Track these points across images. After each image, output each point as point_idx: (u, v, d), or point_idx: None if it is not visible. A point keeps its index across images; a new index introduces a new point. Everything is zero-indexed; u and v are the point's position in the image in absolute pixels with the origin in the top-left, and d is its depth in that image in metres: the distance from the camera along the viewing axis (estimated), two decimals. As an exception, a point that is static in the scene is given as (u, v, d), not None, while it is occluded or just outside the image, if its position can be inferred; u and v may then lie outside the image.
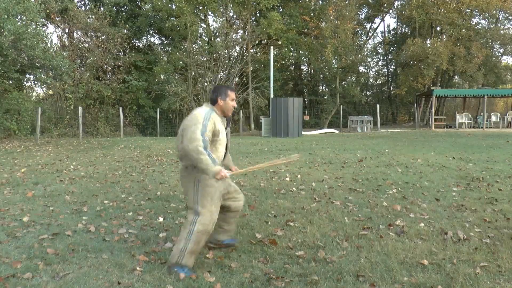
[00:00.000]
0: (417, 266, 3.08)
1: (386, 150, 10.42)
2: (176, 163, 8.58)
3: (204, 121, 2.96)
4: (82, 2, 24.22)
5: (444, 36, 26.48)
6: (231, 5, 23.53)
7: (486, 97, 21.38)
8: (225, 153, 3.25)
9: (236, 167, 3.44)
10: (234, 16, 25.06)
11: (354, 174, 6.88)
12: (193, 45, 23.75)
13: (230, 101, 3.15)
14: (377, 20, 32.83)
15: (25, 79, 16.11)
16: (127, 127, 21.62)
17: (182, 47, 23.58)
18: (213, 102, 3.15)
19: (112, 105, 21.93)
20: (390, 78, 32.99)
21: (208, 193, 3.03)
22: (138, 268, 3.08)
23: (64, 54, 17.66)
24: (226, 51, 24.07)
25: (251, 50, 24.43)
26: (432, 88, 24.41)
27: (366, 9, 31.23)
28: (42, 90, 22.55)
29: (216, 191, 3.08)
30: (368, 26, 32.93)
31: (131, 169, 7.87)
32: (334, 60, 24.72)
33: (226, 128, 3.20)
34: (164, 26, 23.20)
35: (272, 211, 4.63)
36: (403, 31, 31.91)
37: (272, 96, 19.66)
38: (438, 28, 27.10)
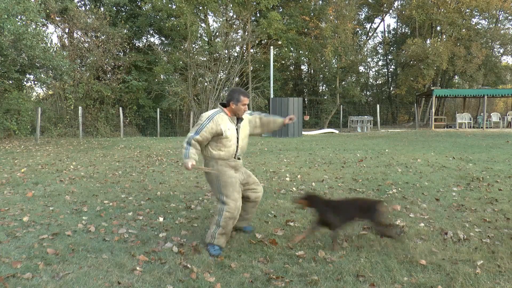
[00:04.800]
0: (417, 266, 3.08)
1: (386, 150, 10.42)
2: (176, 163, 8.59)
3: (204, 123, 3.42)
4: (82, 2, 24.25)
5: (444, 36, 26.49)
6: (231, 5, 23.53)
7: (486, 97, 21.38)
8: (237, 146, 3.56)
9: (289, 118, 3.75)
10: (234, 16, 25.06)
11: (354, 174, 6.88)
12: (193, 45, 23.75)
13: (242, 106, 3.49)
14: (377, 20, 32.90)
15: (25, 79, 16.09)
16: (127, 127, 21.62)
17: (182, 47, 23.58)
18: (225, 105, 3.55)
19: (112, 105, 21.93)
20: (390, 78, 33.00)
21: (230, 184, 3.45)
22: (138, 268, 3.08)
23: (64, 54, 17.64)
24: (226, 51, 24.07)
25: (251, 50, 24.43)
26: (432, 88, 24.41)
27: (366, 9, 31.25)
28: (42, 90, 22.59)
29: (237, 181, 3.52)
30: (368, 26, 32.98)
31: (131, 169, 7.87)
32: (334, 60, 24.72)
33: (237, 125, 3.55)
34: (164, 26, 23.20)
35: (272, 211, 4.63)
36: (403, 31, 31.92)
37: (272, 96, 19.66)
38: (438, 28, 27.11)
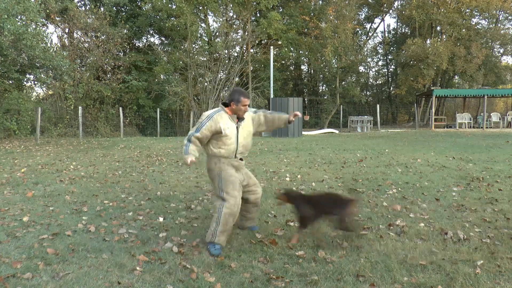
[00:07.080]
0: (417, 266, 3.08)
1: (386, 150, 10.42)
2: (176, 163, 8.59)
3: (203, 121, 3.53)
4: (82, 2, 24.25)
5: (444, 36, 26.49)
6: (231, 5, 23.53)
7: (486, 97, 21.38)
8: (238, 145, 3.61)
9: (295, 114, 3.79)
10: (234, 16, 25.06)
11: (354, 174, 6.88)
12: (193, 45, 23.75)
13: (242, 106, 3.56)
14: (377, 20, 32.90)
15: (25, 79, 16.10)
16: (127, 127, 21.62)
17: (182, 47, 23.58)
18: (226, 104, 3.63)
19: (112, 105, 21.94)
20: (390, 78, 33.00)
21: (230, 182, 3.52)
22: (138, 268, 3.08)
23: (64, 54, 17.64)
24: (226, 51, 24.06)
25: (251, 50, 24.43)
26: (432, 88, 24.41)
27: (366, 9, 31.25)
28: (42, 90, 22.58)
29: (237, 180, 3.58)
30: (368, 26, 32.98)
31: (131, 169, 7.87)
32: (334, 60, 24.72)
33: (237, 123, 3.61)
34: (164, 26, 23.21)
35: (272, 211, 4.63)
36: (403, 31, 31.93)
37: (272, 96, 19.65)
38: (438, 28, 27.12)
